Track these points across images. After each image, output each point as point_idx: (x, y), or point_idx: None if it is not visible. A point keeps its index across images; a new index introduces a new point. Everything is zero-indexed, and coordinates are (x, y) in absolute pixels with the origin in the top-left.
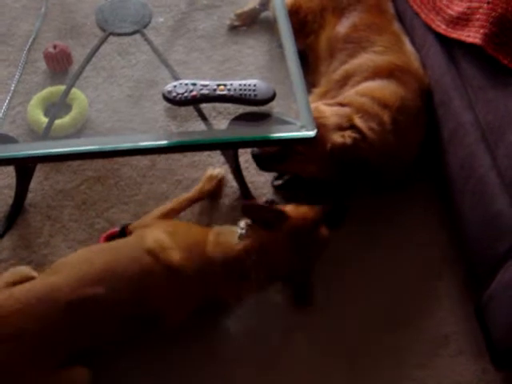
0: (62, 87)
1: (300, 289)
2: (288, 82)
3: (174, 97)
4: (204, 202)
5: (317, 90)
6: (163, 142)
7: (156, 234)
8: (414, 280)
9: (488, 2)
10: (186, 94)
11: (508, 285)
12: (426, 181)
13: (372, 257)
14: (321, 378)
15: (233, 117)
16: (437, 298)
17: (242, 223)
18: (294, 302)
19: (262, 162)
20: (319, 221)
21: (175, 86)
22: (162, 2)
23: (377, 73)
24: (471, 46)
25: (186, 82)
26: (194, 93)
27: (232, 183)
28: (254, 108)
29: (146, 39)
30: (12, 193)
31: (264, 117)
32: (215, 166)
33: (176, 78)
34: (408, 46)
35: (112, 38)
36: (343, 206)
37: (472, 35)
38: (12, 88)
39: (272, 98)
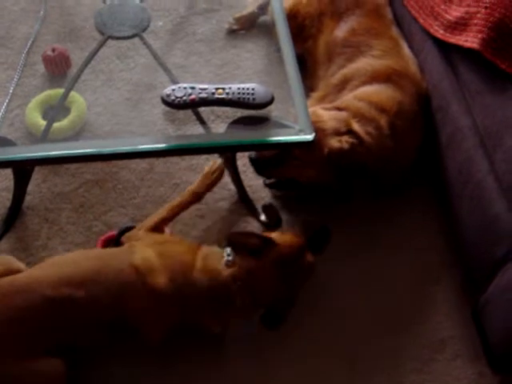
0: (61, 90)
1: (274, 313)
2: (286, 86)
3: (173, 100)
4: (203, 205)
5: (315, 94)
6: (161, 146)
7: (145, 253)
8: (413, 284)
9: (486, 7)
10: (184, 98)
11: (505, 288)
12: (424, 185)
13: (372, 257)
14: (321, 378)
15: (231, 120)
16: (434, 302)
17: (229, 249)
18: (261, 322)
19: (260, 167)
20: (305, 248)
21: (174, 90)
22: (160, 5)
23: (374, 77)
24: (469, 50)
25: (185, 85)
26: (192, 96)
27: (230, 186)
28: (253, 112)
29: (145, 43)
30: (10, 195)
31: (262, 120)
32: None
33: (174, 82)
34: (406, 50)
35: (111, 42)
36: (326, 230)
37: (470, 40)
38: (10, 91)
39: (270, 101)
